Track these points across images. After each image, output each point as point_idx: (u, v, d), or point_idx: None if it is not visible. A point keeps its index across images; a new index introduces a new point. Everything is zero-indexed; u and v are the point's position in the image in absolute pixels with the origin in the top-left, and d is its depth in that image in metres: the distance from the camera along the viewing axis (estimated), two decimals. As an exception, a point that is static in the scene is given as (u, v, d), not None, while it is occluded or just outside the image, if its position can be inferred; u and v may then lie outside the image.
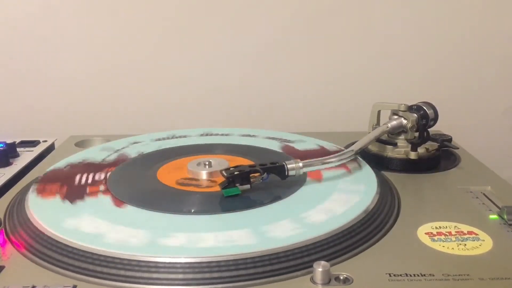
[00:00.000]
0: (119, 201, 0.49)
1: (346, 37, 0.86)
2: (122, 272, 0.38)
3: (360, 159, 0.59)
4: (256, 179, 0.50)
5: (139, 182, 0.55)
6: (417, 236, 0.44)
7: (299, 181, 0.53)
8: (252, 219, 0.45)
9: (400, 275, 0.38)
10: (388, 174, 0.59)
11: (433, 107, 0.62)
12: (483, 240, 0.43)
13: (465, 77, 0.88)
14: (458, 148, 0.66)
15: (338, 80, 0.88)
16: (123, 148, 0.66)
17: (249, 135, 0.71)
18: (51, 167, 0.59)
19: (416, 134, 0.60)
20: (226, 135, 0.72)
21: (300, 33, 0.86)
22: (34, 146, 0.72)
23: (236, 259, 0.39)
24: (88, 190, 0.52)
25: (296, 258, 0.40)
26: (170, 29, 0.86)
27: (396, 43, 0.86)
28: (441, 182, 0.57)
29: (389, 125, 0.61)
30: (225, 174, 0.49)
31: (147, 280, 0.38)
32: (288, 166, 0.51)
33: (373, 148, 0.64)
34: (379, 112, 0.64)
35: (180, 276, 0.38)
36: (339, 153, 0.55)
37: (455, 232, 0.45)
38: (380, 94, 0.76)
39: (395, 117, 0.61)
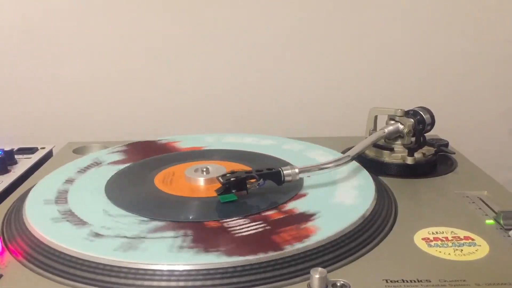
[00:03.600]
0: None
1: (342, 42, 0.87)
2: (122, 281, 0.38)
3: (357, 164, 0.60)
4: (253, 185, 0.50)
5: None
6: (414, 242, 0.44)
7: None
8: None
9: (397, 281, 0.38)
10: (385, 179, 0.59)
11: (429, 112, 0.62)
12: (480, 245, 0.44)
13: (462, 82, 0.88)
14: (454, 153, 0.66)
15: (335, 85, 0.88)
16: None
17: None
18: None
19: (413, 139, 0.60)
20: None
21: (297, 39, 0.86)
22: (32, 153, 0.72)
23: (233, 266, 0.39)
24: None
25: (293, 265, 0.40)
26: (169, 35, 0.86)
27: (393, 48, 0.87)
28: (438, 187, 0.57)
29: (386, 130, 0.61)
30: (221, 180, 0.50)
31: (143, 287, 0.38)
32: (284, 172, 0.51)
33: (370, 153, 0.64)
34: (376, 117, 0.65)
35: (174, 283, 0.38)
36: (336, 159, 0.55)
37: (452, 237, 0.45)
38: (377, 99, 0.77)
39: (392, 122, 0.62)
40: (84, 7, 0.84)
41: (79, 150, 0.74)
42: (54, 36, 0.85)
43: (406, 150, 0.61)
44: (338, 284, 0.38)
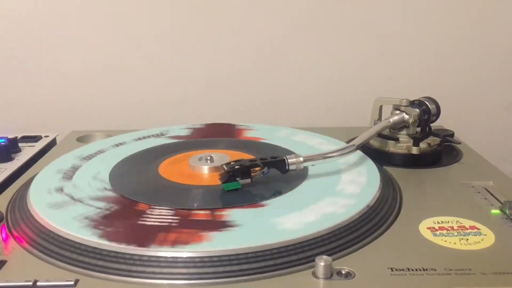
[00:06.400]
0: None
1: (348, 32, 0.86)
2: (124, 267, 0.38)
3: (362, 153, 0.59)
4: (257, 173, 0.50)
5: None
6: (419, 231, 0.44)
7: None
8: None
9: (402, 269, 0.38)
10: (390, 169, 0.59)
11: (435, 102, 0.61)
12: (485, 235, 0.43)
13: (468, 72, 0.87)
14: (460, 143, 0.65)
15: (340, 75, 0.88)
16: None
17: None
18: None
19: (418, 129, 0.60)
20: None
21: (301, 28, 0.86)
22: (36, 141, 0.72)
23: (237, 254, 0.39)
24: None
25: (298, 253, 0.39)
26: (171, 25, 0.85)
27: (398, 38, 0.86)
28: (443, 177, 0.57)
29: (391, 120, 0.61)
30: (225, 168, 0.49)
31: (148, 274, 0.38)
32: (289, 160, 0.51)
33: (375, 143, 0.63)
34: (381, 107, 0.64)
35: (179, 270, 0.38)
36: (340, 148, 0.55)
37: (457, 227, 0.45)
38: (382, 89, 0.76)
39: (397, 112, 0.61)
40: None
41: (83, 139, 0.74)
42: (58, 26, 0.84)
43: (411, 140, 0.60)
44: (343, 272, 0.38)
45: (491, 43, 0.86)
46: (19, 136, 0.72)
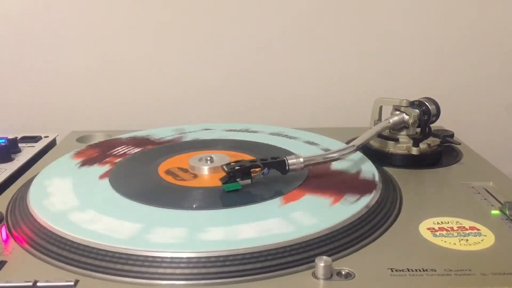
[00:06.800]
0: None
1: (347, 32, 0.86)
2: (126, 267, 0.38)
3: (362, 154, 0.59)
4: (257, 174, 0.50)
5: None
6: (419, 232, 0.44)
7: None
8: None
9: (402, 270, 0.38)
10: (390, 170, 0.59)
11: (435, 103, 0.61)
12: (485, 236, 0.43)
13: (468, 73, 0.87)
14: (460, 144, 0.65)
15: (340, 75, 0.88)
16: (190, 132, 0.71)
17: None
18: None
19: (418, 129, 0.60)
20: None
21: (301, 28, 0.86)
22: (36, 141, 0.72)
23: (237, 254, 0.39)
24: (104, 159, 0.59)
25: (298, 253, 0.39)
26: (171, 24, 0.85)
27: (398, 38, 0.86)
28: (443, 177, 0.57)
29: (391, 120, 0.61)
30: (226, 169, 0.49)
31: (148, 274, 0.38)
32: (289, 161, 0.51)
33: (375, 143, 0.63)
34: (381, 107, 0.64)
35: (180, 270, 0.38)
36: (340, 148, 0.55)
37: (457, 227, 0.45)
38: (382, 90, 0.76)
39: (397, 112, 0.61)
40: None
41: (83, 139, 0.74)
42: (58, 26, 0.84)
43: (411, 141, 0.60)
44: (343, 273, 0.38)
45: (491, 43, 0.86)
46: (19, 136, 0.72)
